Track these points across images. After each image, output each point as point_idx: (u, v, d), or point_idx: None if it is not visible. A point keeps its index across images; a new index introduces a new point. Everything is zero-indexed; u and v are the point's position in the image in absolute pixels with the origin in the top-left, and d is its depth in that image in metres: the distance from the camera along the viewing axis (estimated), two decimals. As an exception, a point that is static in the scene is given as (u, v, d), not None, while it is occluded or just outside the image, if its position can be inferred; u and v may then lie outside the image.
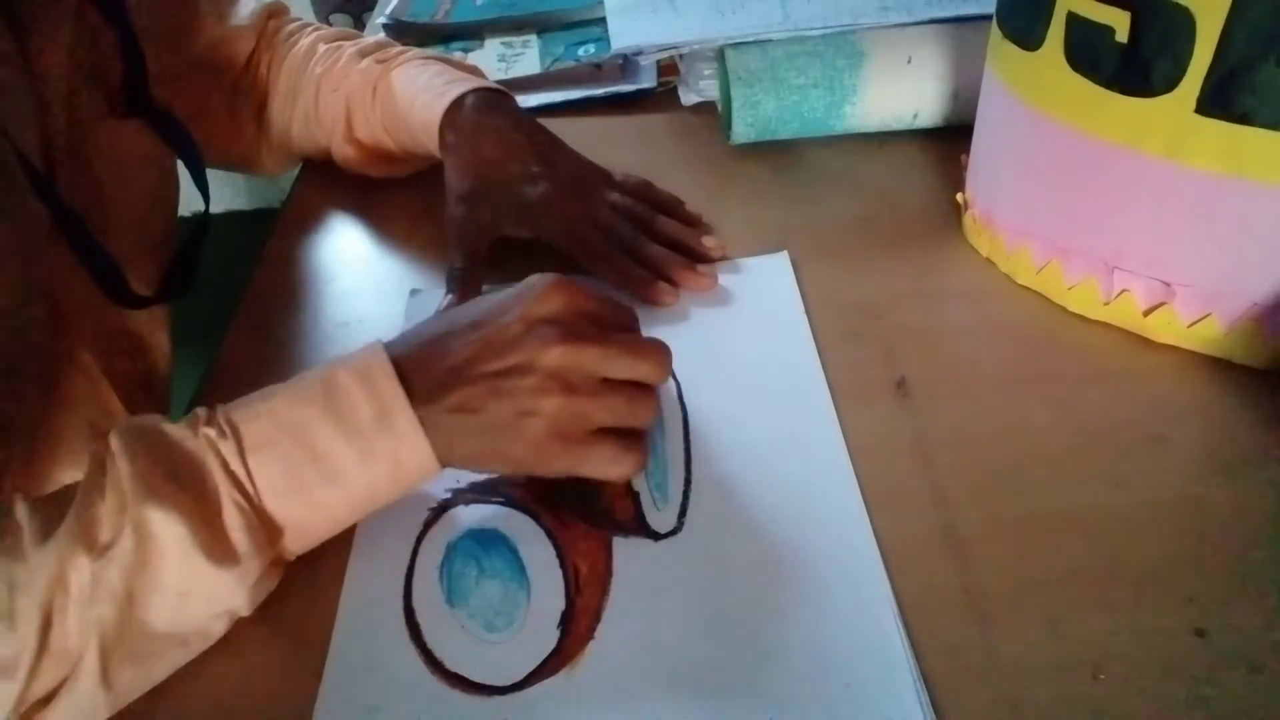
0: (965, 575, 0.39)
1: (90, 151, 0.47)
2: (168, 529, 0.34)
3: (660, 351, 0.40)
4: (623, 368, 0.39)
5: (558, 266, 0.54)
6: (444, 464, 0.38)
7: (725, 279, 0.54)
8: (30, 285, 0.43)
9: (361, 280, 0.58)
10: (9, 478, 0.42)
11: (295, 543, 0.38)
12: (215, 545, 0.35)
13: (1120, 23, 0.40)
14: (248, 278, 0.59)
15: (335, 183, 0.65)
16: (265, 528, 0.37)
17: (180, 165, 0.55)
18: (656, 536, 0.41)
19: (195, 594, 0.35)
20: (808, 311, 0.51)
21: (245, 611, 0.38)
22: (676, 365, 0.49)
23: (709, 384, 0.48)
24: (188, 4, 0.59)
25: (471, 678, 0.37)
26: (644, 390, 0.40)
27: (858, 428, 0.45)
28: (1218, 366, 0.46)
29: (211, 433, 0.36)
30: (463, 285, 0.53)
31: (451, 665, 0.37)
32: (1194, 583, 0.38)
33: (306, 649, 0.38)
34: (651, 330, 0.50)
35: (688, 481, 0.43)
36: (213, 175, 0.56)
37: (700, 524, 0.42)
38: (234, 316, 0.56)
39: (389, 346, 0.38)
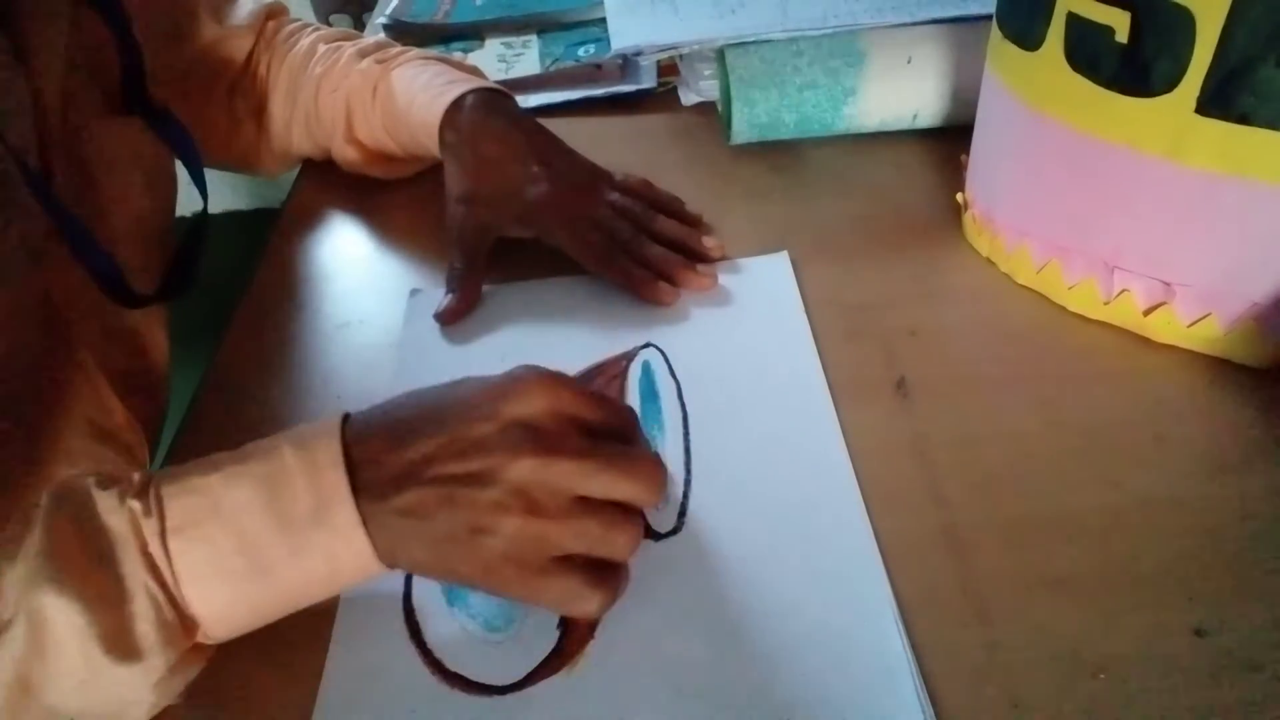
0: (965, 575, 0.39)
1: (87, 150, 0.47)
2: (66, 619, 0.31)
3: (652, 469, 0.35)
4: (602, 486, 0.34)
5: (558, 267, 0.54)
6: (389, 566, 0.34)
7: (725, 279, 0.54)
8: (27, 284, 0.43)
9: (361, 280, 0.58)
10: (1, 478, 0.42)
11: (219, 631, 0.34)
12: (118, 639, 0.32)
13: (1120, 23, 0.40)
14: (248, 277, 0.59)
15: (335, 183, 0.65)
16: (178, 619, 0.33)
17: (179, 164, 0.55)
18: (656, 536, 0.41)
19: (95, 686, 0.32)
20: (808, 311, 0.51)
21: (159, 705, 0.34)
22: (676, 365, 0.49)
23: (709, 384, 0.48)
24: (185, 4, 0.59)
25: (471, 678, 0.37)
26: (627, 514, 0.35)
27: (858, 428, 0.45)
28: (1218, 366, 0.46)
29: (137, 507, 0.33)
30: (463, 285, 0.53)
31: (451, 665, 0.37)
32: (1194, 583, 0.38)
33: (306, 649, 0.38)
34: (652, 330, 0.51)
35: (688, 481, 0.43)
36: (213, 175, 0.56)
37: (700, 524, 0.42)
38: (234, 316, 0.56)
39: (349, 425, 0.35)
